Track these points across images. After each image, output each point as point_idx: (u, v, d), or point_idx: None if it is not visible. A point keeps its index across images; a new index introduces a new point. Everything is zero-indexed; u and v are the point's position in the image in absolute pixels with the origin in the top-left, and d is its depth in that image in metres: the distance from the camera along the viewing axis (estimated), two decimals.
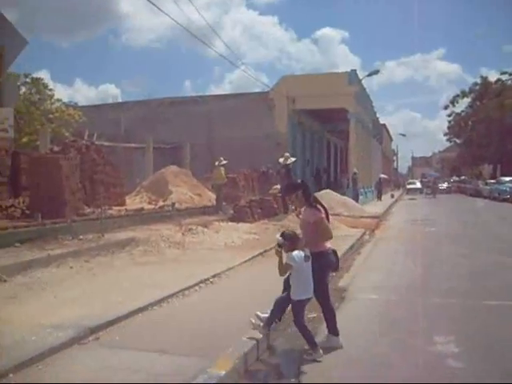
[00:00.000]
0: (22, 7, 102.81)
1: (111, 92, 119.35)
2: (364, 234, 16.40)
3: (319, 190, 28.52)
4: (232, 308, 6.95)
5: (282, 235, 5.77)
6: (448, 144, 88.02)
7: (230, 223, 16.63)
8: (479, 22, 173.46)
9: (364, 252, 13.37)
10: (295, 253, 5.56)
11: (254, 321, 5.72)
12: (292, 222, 16.02)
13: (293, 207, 18.41)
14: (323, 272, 5.87)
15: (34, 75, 29.20)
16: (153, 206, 19.50)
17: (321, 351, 5.47)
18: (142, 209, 17.66)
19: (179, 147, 31.99)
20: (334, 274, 10.02)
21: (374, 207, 29.65)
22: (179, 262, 10.38)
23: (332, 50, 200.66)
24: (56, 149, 17.62)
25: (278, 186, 21.24)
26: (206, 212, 19.76)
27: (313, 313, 6.67)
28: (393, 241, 15.56)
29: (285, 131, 33.37)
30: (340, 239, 14.34)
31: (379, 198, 40.38)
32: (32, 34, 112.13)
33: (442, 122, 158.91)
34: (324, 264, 5.85)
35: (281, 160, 18.26)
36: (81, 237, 11.94)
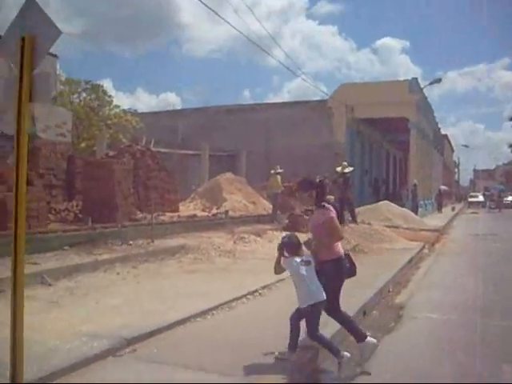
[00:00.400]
0: (88, 17, 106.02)
1: (171, 100, 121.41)
2: (423, 247, 15.61)
3: (377, 200, 27.74)
4: (280, 323, 6.48)
5: (284, 239, 5.58)
6: None
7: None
8: None
9: (423, 267, 12.65)
10: (294, 258, 5.33)
11: (277, 353, 5.19)
12: (347, 233, 15.46)
13: (349, 218, 17.93)
14: (336, 281, 5.48)
15: (96, 82, 29.63)
16: (206, 214, 19.28)
17: (345, 353, 5.12)
18: (195, 216, 17.44)
19: (235, 155, 31.81)
20: (390, 290, 9.50)
21: (434, 220, 28.56)
22: (229, 271, 9.99)
23: (392, 60, 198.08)
24: (111, 154, 17.65)
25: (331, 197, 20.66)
26: (260, 220, 19.39)
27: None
28: (454, 256, 14.73)
29: (343, 140, 32.77)
30: (398, 253, 13.73)
31: (439, 210, 39.38)
32: (96, 43, 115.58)
33: (506, 134, 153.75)
34: (338, 272, 5.50)
35: (338, 169, 17.70)
36: (130, 242, 11.76)
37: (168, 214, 17.14)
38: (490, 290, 9.46)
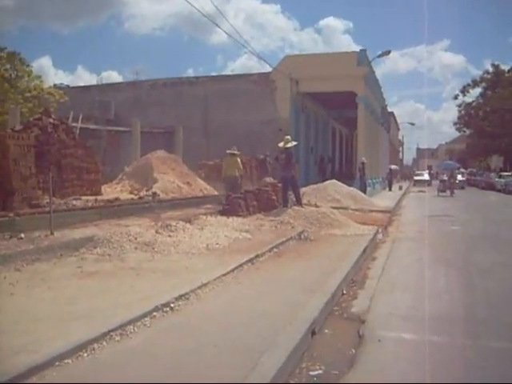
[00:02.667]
0: None
1: (113, 79, 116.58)
2: (377, 232, 13.77)
3: (324, 180, 25.95)
4: (192, 371, 4.38)
5: None
6: (455, 135, 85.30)
7: (219, 217, 14.05)
8: (485, 13, 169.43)
9: (380, 257, 10.76)
10: None
11: None
12: (292, 218, 13.51)
13: (294, 200, 15.93)
14: None
15: (12, 50, 26.41)
16: (132, 196, 16.97)
17: None
18: (117, 199, 15.12)
19: (172, 132, 29.40)
20: (344, 292, 7.56)
21: (383, 200, 27.01)
22: (140, 272, 7.79)
23: (335, 40, 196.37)
24: (17, 128, 15.05)
25: (268, 179, 18.67)
26: (194, 204, 17.22)
27: None
28: (412, 242, 12.93)
29: (287, 116, 30.74)
30: (350, 240, 11.87)
31: (390, 188, 39.12)
32: (34, 20, 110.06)
33: (445, 114, 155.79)
34: None
35: (280, 145, 15.58)
36: (21, 235, 9.42)
37: (85, 198, 14.77)
38: (470, 292, 7.65)
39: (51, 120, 15.43)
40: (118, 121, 31.23)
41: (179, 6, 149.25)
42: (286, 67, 29.83)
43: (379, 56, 29.60)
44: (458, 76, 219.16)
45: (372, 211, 20.11)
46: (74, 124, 27.00)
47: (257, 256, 9.20)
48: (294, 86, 30.52)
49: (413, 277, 8.86)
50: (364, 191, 26.33)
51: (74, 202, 13.29)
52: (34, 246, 8.91)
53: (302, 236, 11.90)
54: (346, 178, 31.94)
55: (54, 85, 36.11)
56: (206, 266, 8.21)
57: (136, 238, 10.06)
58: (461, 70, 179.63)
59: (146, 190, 18.24)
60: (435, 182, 48.46)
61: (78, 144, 16.08)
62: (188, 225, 12.25)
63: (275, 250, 10.14)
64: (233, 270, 8.02)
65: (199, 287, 6.86)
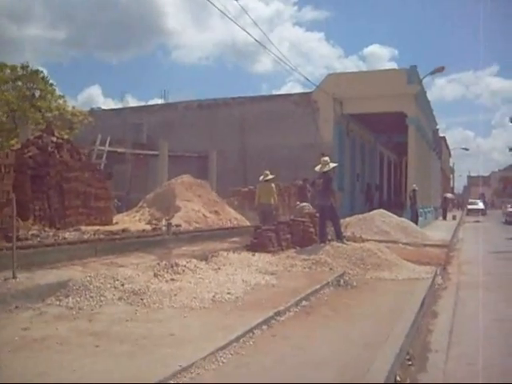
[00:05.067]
0: (73, 23, 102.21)
1: None
2: (435, 275, 11.10)
3: (371, 209, 23.30)
4: None
5: None
6: (509, 162, 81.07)
7: (244, 254, 11.67)
8: None
9: (443, 313, 8.12)
10: None
11: None
12: (330, 257, 11.02)
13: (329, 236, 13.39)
14: None
15: (35, 68, 24.81)
16: (148, 227, 14.76)
17: None
18: (124, 230, 12.88)
19: (205, 156, 27.33)
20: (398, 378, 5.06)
21: (437, 231, 24.12)
22: (102, 341, 5.41)
23: (380, 67, 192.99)
24: (14, 148, 13.12)
25: (304, 204, 16.13)
26: (218, 236, 14.89)
27: None
28: (483, 291, 10.09)
29: (330, 139, 28.26)
30: (402, 287, 9.31)
31: (444, 217, 37.36)
32: (83, 49, 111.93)
33: (495, 141, 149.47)
34: None
35: (317, 168, 13.08)
36: None
37: (90, 228, 12.62)
38: None
39: (54, 139, 13.41)
40: (150, 144, 29.46)
41: (224, 35, 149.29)
42: (329, 86, 27.46)
43: (431, 73, 26.84)
44: (508, 102, 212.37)
45: (426, 245, 17.47)
46: (101, 147, 25.30)
47: (277, 314, 6.75)
48: (338, 106, 28.07)
49: (496, 351, 6.19)
50: (416, 222, 23.56)
51: (67, 235, 11.11)
52: None
53: (342, 281, 9.38)
54: (396, 207, 29.23)
55: (91, 108, 34.89)
56: (200, 332, 5.81)
57: (123, 285, 7.76)
58: (511, 95, 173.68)
59: (166, 220, 16.02)
60: (490, 212, 45.19)
61: (85, 166, 14.00)
62: (202, 264, 9.95)
63: (304, 302, 7.66)
64: (237, 340, 5.59)
65: (173, 375, 4.47)
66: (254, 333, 5.97)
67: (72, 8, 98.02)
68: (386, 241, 16.98)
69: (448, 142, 63.66)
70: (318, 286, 8.62)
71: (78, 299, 7.14)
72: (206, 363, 4.88)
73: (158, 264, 9.20)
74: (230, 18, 16.14)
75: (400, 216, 21.79)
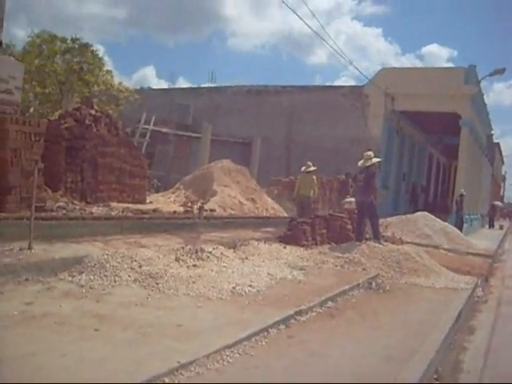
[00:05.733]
0: (132, 4, 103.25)
1: None
2: (476, 286, 10.39)
3: (415, 211, 22.48)
4: None
5: None
6: None
7: (275, 245, 11.22)
8: None
9: (481, 330, 7.45)
10: None
11: None
12: (365, 257, 10.45)
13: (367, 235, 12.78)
14: None
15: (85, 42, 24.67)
16: (181, 209, 14.41)
17: None
18: (155, 210, 12.56)
19: (249, 142, 26.88)
20: None
21: (482, 240, 23.05)
22: (104, 325, 5.04)
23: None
24: (52, 119, 12.93)
25: (351, 199, 15.45)
26: (252, 224, 14.44)
27: None
28: None
29: (379, 135, 27.40)
30: (438, 296, 8.66)
31: (490, 226, 36.21)
32: (141, 30, 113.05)
33: None
34: None
35: (360, 163, 12.45)
36: None
37: (122, 205, 12.35)
38: None
39: (92, 111, 13.15)
40: (195, 127, 29.17)
41: (281, 25, 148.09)
42: (382, 81, 26.53)
43: (491, 74, 25.61)
44: None
45: (468, 254, 16.59)
46: (145, 126, 25.16)
47: (298, 313, 6.26)
48: (389, 102, 27.16)
49: None
50: (460, 228, 22.58)
51: (94, 209, 10.83)
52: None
53: (374, 284, 8.80)
54: (441, 211, 28.18)
55: (141, 87, 34.91)
56: (211, 325, 5.37)
57: (141, 266, 7.39)
58: None
59: (202, 203, 15.67)
60: None
61: (122, 142, 13.71)
62: (229, 252, 9.55)
63: (330, 303, 7.14)
64: (248, 339, 5.13)
65: (169, 372, 4.03)
66: (269, 332, 5.49)
67: None
68: (426, 245, 16.26)
69: (502, 148, 61.45)
70: (347, 287, 8.07)
71: (92, 277, 6.81)
72: (209, 361, 4.43)
73: (182, 248, 8.82)
74: (288, 7, 15.55)
75: (444, 220, 20.89)
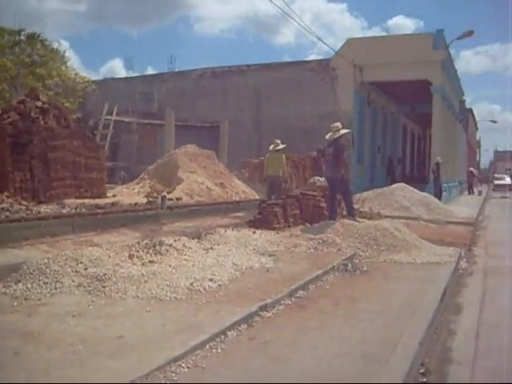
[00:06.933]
0: None
1: None
2: (459, 257, 9.72)
3: (392, 183, 21.86)
4: None
5: None
6: None
7: (244, 231, 10.42)
8: None
9: (468, 307, 6.75)
10: None
11: None
12: (340, 236, 9.73)
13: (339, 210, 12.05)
14: None
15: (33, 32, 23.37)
16: (147, 200, 13.57)
17: None
18: (114, 204, 11.71)
19: (217, 126, 26.01)
20: None
21: (462, 207, 22.56)
22: (22, 353, 4.22)
23: None
24: None
25: (320, 178, 14.72)
26: (221, 210, 13.67)
27: None
28: None
29: (350, 109, 26.63)
30: (420, 272, 7.97)
31: (470, 192, 36.59)
32: (104, 22, 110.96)
33: None
34: None
35: (327, 136, 11.67)
36: None
37: (74, 201, 11.46)
38: None
39: (38, 103, 12.18)
40: (161, 114, 28.21)
41: (245, 7, 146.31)
42: (349, 52, 25.72)
43: (460, 38, 24.80)
44: None
45: (449, 223, 15.99)
46: (108, 117, 24.16)
47: (263, 308, 5.49)
48: (358, 74, 26.37)
49: None
50: (439, 197, 22.04)
51: (42, 209, 9.94)
52: None
53: (350, 265, 8.05)
54: (418, 181, 27.64)
55: (104, 78, 33.74)
56: (157, 334, 4.59)
57: (86, 268, 6.58)
58: None
59: (167, 192, 14.83)
60: None
61: (75, 134, 12.76)
62: (192, 243, 8.77)
63: (300, 292, 6.39)
64: (201, 347, 4.35)
65: None
66: (227, 335, 4.72)
67: None
68: (406, 217, 15.65)
69: (475, 115, 61.20)
70: (320, 272, 7.32)
71: (29, 286, 6.01)
72: (148, 381, 3.65)
73: (138, 243, 8.02)
74: None
75: (422, 190, 20.27)
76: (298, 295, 6.27)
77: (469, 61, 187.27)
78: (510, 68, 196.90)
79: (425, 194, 19.77)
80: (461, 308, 6.71)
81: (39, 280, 6.16)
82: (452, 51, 25.63)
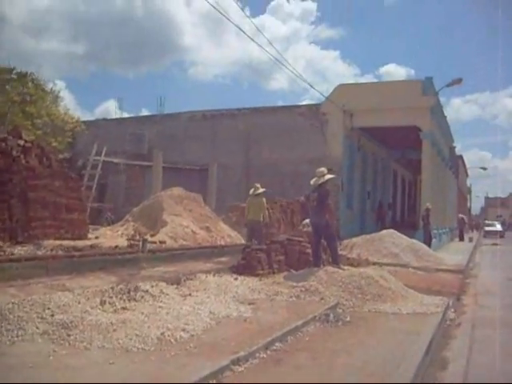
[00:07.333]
0: (92, 39, 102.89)
1: None
2: (447, 308, 9.42)
3: (382, 228, 21.65)
4: None
5: None
6: None
7: (225, 277, 10.14)
8: None
9: (454, 362, 6.40)
10: None
11: None
12: (323, 284, 9.44)
13: (325, 257, 11.80)
14: None
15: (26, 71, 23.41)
16: (128, 243, 13.24)
17: None
18: (92, 246, 11.39)
19: (207, 169, 25.87)
20: None
21: (452, 254, 22.28)
22: None
23: None
24: None
25: (307, 225, 14.52)
26: (205, 254, 13.36)
27: None
28: (507, 331, 8.38)
29: (339, 154, 26.57)
30: (405, 324, 7.64)
31: (461, 239, 36.21)
32: (101, 64, 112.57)
33: None
34: None
35: (312, 181, 11.50)
36: None
37: (54, 243, 11.14)
38: None
39: (21, 142, 11.98)
40: (151, 156, 28.11)
41: (239, 52, 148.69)
42: (339, 98, 25.82)
43: (449, 85, 25.04)
44: None
45: (438, 270, 15.77)
46: (96, 157, 23.98)
47: (235, 362, 5.16)
48: (348, 119, 26.43)
49: None
50: (429, 243, 21.80)
51: (16, 250, 9.62)
52: None
53: (332, 315, 7.72)
54: (409, 227, 27.51)
55: (96, 119, 33.73)
56: None
57: (53, 315, 6.25)
58: None
59: (151, 235, 14.54)
60: (509, 234, 43.21)
61: (57, 174, 12.53)
62: (170, 289, 8.47)
63: (278, 344, 6.07)
64: None
65: None
66: None
67: (90, 24, 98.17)
68: (394, 264, 15.44)
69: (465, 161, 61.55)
70: (300, 323, 7.01)
71: None
72: None
73: (112, 288, 7.70)
74: (246, 35, 14.92)
75: (412, 237, 20.06)
76: (274, 348, 5.94)
77: (459, 109, 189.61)
78: (499, 116, 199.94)
79: (414, 240, 19.55)
80: (447, 362, 6.39)
81: (1, 327, 5.81)
82: (442, 99, 25.81)
